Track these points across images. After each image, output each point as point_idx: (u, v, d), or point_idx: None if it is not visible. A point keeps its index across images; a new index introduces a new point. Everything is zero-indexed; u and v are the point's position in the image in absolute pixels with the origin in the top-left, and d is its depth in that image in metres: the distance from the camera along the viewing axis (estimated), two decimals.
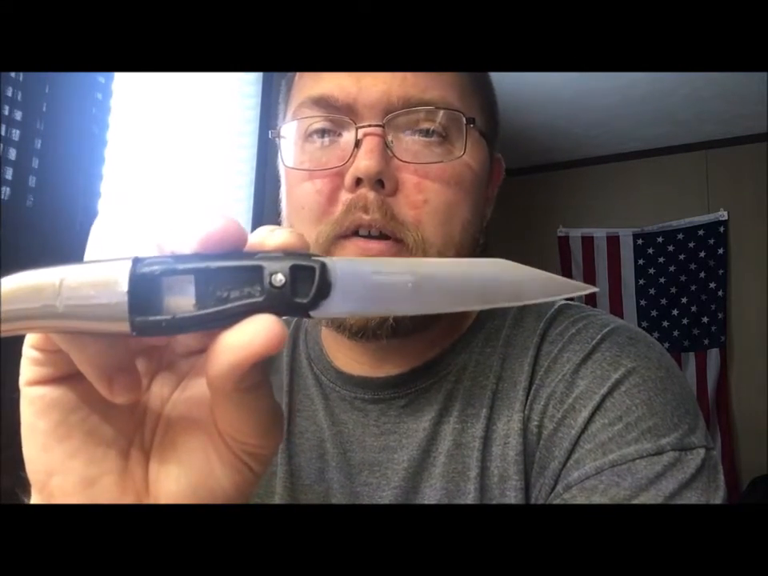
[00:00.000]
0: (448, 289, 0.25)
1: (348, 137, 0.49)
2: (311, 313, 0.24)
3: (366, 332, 0.48)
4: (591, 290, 0.27)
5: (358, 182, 0.47)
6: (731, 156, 2.94)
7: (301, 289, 0.24)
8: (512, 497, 0.47)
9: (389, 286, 0.25)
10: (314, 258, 0.25)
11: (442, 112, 0.49)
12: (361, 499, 0.51)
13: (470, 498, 0.48)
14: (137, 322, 0.23)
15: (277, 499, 0.53)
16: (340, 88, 0.49)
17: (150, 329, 0.23)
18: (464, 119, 0.49)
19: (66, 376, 0.27)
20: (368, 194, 0.47)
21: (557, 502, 0.44)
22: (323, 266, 0.24)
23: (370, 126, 0.48)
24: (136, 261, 0.24)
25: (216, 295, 0.24)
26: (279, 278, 0.24)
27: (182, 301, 0.24)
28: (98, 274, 0.23)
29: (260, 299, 0.24)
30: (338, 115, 0.49)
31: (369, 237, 0.47)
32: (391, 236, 0.47)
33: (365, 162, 0.46)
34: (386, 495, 0.51)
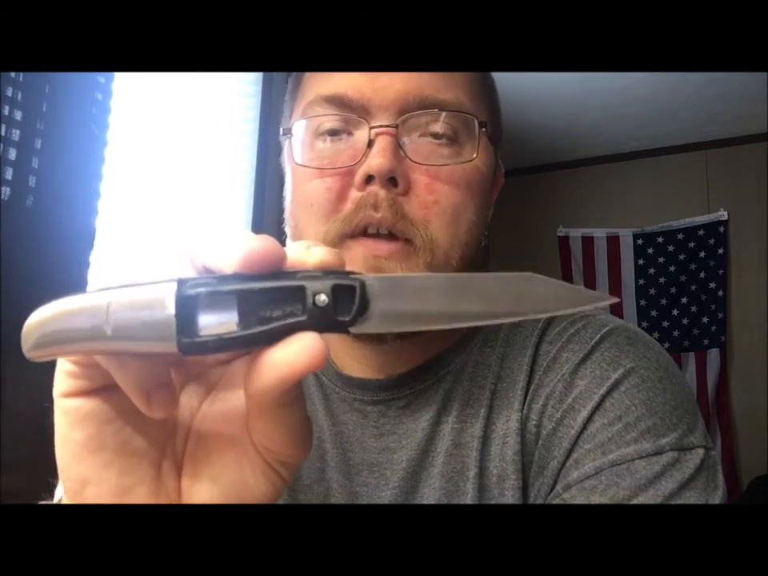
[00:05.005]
0: (481, 303, 0.26)
1: (360, 136, 0.49)
2: (350, 329, 0.25)
3: (372, 334, 0.48)
4: (614, 300, 0.27)
5: (369, 180, 0.47)
6: (731, 156, 2.94)
7: (341, 307, 0.25)
8: (510, 496, 0.47)
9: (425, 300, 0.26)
10: (352, 276, 0.25)
11: (455, 115, 0.49)
12: (360, 499, 0.51)
13: (468, 497, 0.48)
14: (183, 343, 0.23)
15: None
16: (354, 88, 0.49)
17: (196, 349, 0.24)
18: (476, 122, 0.50)
19: (100, 388, 0.27)
20: (379, 191, 0.47)
21: (556, 501, 0.44)
22: (363, 284, 0.25)
23: (383, 126, 0.48)
24: (180, 283, 0.24)
25: (259, 314, 0.24)
26: (322, 299, 0.24)
27: (225, 320, 0.24)
28: (144, 296, 0.24)
29: (303, 318, 0.24)
30: (351, 114, 0.49)
31: (377, 236, 0.47)
32: (400, 236, 0.47)
33: (377, 160, 0.46)
34: (385, 495, 0.51)
